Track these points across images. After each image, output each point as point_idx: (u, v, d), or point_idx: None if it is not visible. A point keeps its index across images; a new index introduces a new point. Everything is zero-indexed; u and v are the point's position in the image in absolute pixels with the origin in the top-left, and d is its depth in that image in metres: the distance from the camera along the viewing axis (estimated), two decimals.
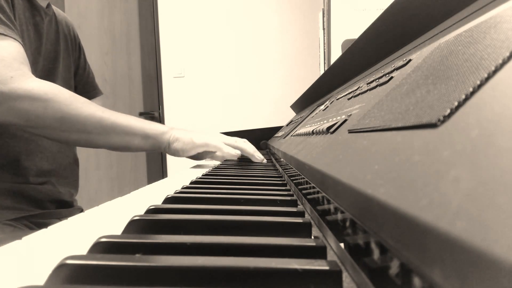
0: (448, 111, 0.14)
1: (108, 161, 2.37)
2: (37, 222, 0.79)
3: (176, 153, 0.76)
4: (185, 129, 0.79)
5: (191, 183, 0.48)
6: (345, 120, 0.32)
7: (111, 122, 0.70)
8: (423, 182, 0.12)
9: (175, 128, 0.78)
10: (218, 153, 0.79)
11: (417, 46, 0.34)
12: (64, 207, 0.88)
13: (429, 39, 0.31)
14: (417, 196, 0.11)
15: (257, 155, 0.84)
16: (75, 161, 0.95)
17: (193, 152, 0.77)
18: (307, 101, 1.12)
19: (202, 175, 0.57)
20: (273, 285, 0.16)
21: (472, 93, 0.14)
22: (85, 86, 1.02)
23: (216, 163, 0.90)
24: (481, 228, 0.08)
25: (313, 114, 0.71)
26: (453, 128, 0.13)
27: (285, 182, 0.49)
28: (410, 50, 0.35)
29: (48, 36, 0.85)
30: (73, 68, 0.97)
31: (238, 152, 0.79)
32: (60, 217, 0.84)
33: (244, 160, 0.86)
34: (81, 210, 0.93)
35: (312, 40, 2.17)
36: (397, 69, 0.31)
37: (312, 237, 0.24)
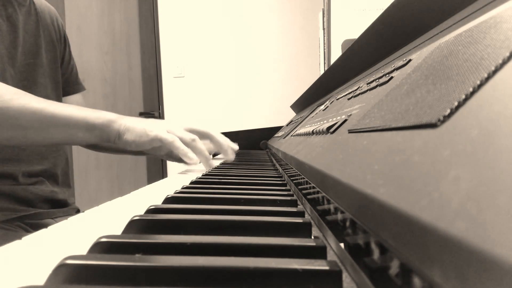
0: (448, 111, 0.14)
1: (108, 161, 2.37)
2: (31, 223, 0.75)
3: (127, 145, 0.65)
4: (138, 118, 0.68)
5: (191, 183, 0.48)
6: (345, 120, 0.32)
7: (49, 113, 0.60)
8: (423, 182, 0.12)
9: (126, 117, 0.67)
10: (175, 152, 0.64)
11: (417, 46, 0.34)
12: (58, 206, 0.84)
13: (429, 39, 0.31)
14: (417, 196, 0.11)
15: (230, 152, 0.72)
16: (66, 163, 0.91)
17: (147, 146, 0.65)
18: (307, 101, 1.12)
19: (202, 175, 0.57)
20: (273, 285, 0.16)
21: (472, 93, 0.14)
22: (68, 80, 0.96)
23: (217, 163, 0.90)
24: (481, 228, 0.08)
25: (313, 114, 0.71)
26: (453, 128, 0.13)
27: (285, 182, 0.49)
28: (410, 50, 0.35)
29: (26, 29, 0.79)
30: (59, 61, 0.90)
31: (195, 159, 0.64)
32: (54, 217, 0.80)
33: (244, 160, 0.86)
34: (77, 210, 0.89)
35: (312, 40, 2.17)
36: (397, 69, 0.31)
37: (312, 237, 0.24)
